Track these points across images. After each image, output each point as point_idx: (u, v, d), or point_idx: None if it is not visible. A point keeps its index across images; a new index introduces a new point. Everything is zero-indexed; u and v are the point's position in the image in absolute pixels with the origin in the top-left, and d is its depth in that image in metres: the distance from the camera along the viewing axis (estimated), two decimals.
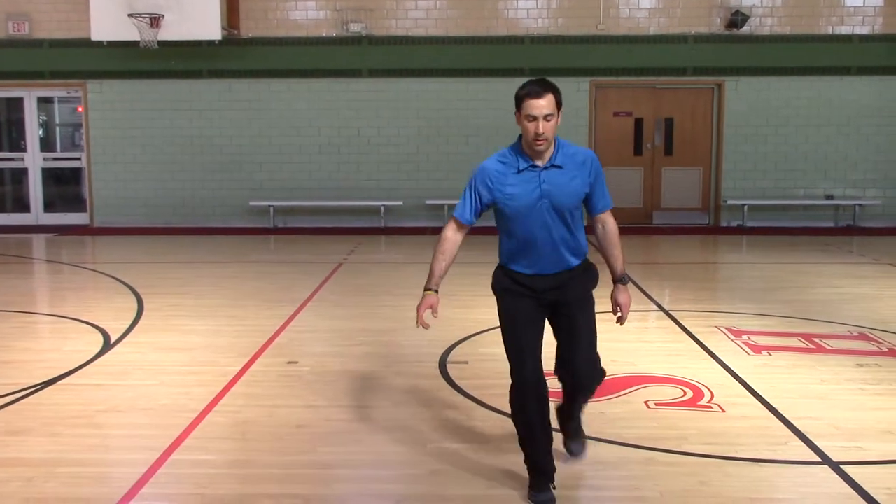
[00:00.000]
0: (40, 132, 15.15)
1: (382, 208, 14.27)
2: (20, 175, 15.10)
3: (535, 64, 14.14)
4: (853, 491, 3.81)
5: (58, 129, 15.60)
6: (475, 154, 14.19)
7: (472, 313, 7.29)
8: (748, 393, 5.22)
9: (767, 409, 4.92)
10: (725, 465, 4.10)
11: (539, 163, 3.70)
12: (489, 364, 5.84)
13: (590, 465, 4.14)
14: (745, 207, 14.28)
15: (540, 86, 3.60)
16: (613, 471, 4.06)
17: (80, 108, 14.81)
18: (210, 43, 13.61)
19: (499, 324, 3.93)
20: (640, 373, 5.64)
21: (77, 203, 15.14)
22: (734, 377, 5.54)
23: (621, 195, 14.59)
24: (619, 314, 4.00)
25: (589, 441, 4.38)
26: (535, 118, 3.57)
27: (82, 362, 5.94)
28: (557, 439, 4.06)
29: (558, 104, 3.63)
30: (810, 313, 7.50)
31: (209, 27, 13.23)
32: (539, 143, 3.61)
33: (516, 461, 4.12)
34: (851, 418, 4.77)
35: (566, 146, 3.76)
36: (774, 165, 14.45)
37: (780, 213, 14.54)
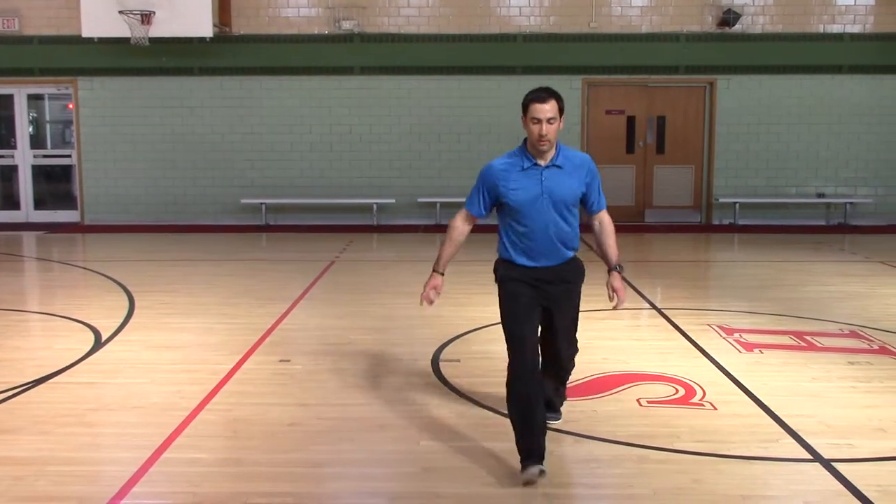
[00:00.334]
0: (30, 129, 15.09)
1: (374, 206, 14.25)
2: (10, 172, 15.03)
3: (527, 62, 14.16)
4: (844, 488, 3.81)
5: (48, 126, 15.53)
6: (467, 152, 14.21)
7: (465, 311, 7.29)
8: (740, 391, 5.23)
9: (759, 406, 4.94)
10: (717, 463, 4.11)
11: (541, 162, 4.09)
12: (481, 362, 5.84)
13: (583, 464, 4.14)
14: (737, 205, 14.32)
15: (545, 92, 4.02)
16: (606, 469, 4.07)
17: (70, 105, 14.76)
18: (201, 40, 13.57)
19: (499, 312, 4.22)
20: (632, 371, 5.65)
21: (68, 201, 15.09)
22: (726, 375, 5.55)
23: (613, 193, 14.58)
24: (614, 300, 4.35)
25: (581, 439, 4.39)
26: (539, 121, 3.96)
27: (73, 360, 5.91)
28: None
29: (561, 110, 4.02)
30: (802, 311, 7.53)
31: (200, 24, 13.19)
32: (542, 143, 4.00)
33: (510, 459, 4.13)
34: (842, 416, 4.78)
35: (566, 150, 4.19)
36: (766, 164, 14.49)
37: (772, 212, 14.58)
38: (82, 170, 14.64)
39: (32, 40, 14.32)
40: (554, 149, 4.09)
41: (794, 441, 4.39)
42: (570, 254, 4.22)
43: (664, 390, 5.24)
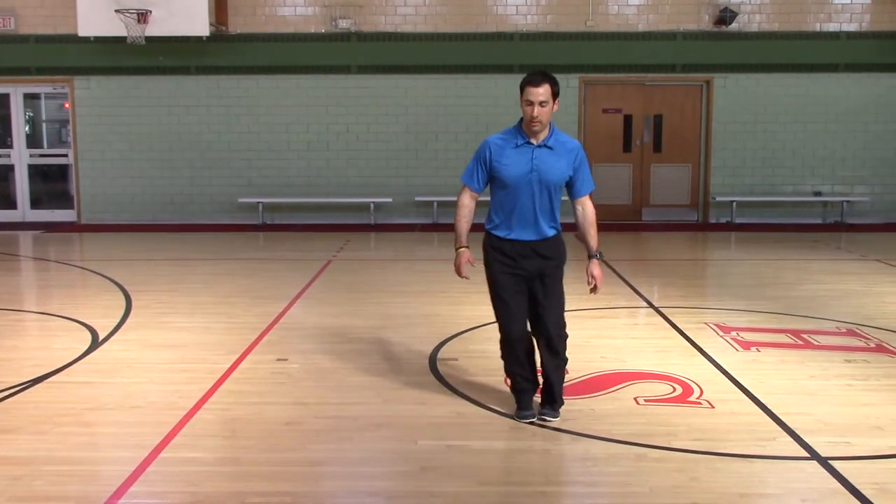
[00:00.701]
0: (27, 128, 15.06)
1: (372, 205, 14.25)
2: (6, 172, 15.00)
3: (524, 60, 14.15)
4: (841, 486, 3.82)
5: (44, 125, 15.51)
6: (464, 150, 14.19)
7: (462, 310, 7.29)
8: (737, 389, 5.24)
9: (756, 404, 4.94)
10: (715, 461, 4.12)
11: (534, 141, 4.38)
12: (479, 361, 5.84)
13: (580, 462, 4.14)
14: (734, 204, 14.34)
15: (539, 76, 4.31)
16: (603, 467, 4.07)
17: (66, 105, 14.73)
18: (198, 39, 13.56)
19: (490, 291, 4.60)
20: (629, 369, 5.66)
21: (64, 200, 15.07)
22: (723, 373, 5.56)
23: (610, 192, 14.63)
24: (592, 284, 4.61)
25: (578, 437, 4.40)
26: (532, 103, 4.26)
27: (70, 360, 5.91)
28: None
29: (554, 94, 4.32)
30: (799, 309, 7.54)
31: (197, 23, 13.18)
32: (534, 124, 4.29)
33: (508, 458, 4.13)
34: (840, 414, 4.79)
35: (560, 134, 4.45)
36: (763, 162, 14.51)
37: (769, 210, 14.60)
38: (79, 169, 14.62)
39: (29, 39, 14.30)
40: (547, 130, 4.38)
41: (791, 439, 4.39)
42: (552, 232, 4.48)
43: (661, 389, 5.24)
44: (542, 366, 4.69)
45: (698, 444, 4.31)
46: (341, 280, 9.22)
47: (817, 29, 14.26)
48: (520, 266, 4.46)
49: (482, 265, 4.61)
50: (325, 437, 4.48)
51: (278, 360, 5.95)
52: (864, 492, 3.75)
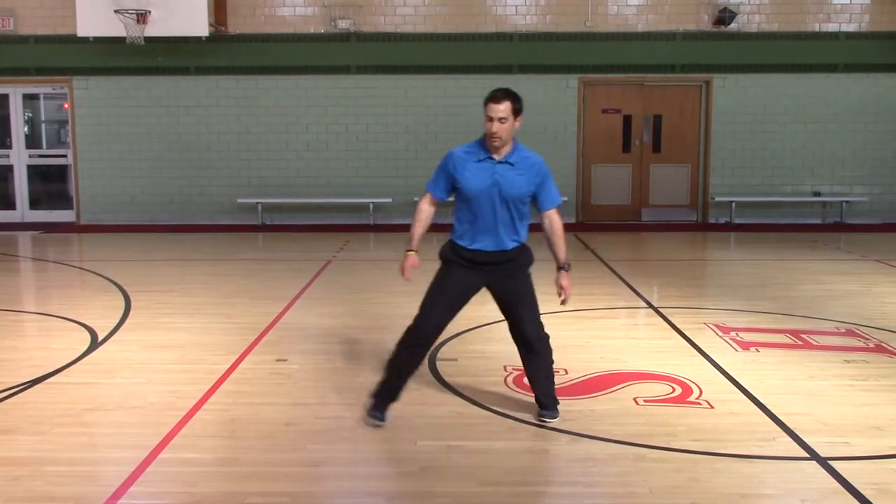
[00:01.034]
0: (26, 129, 15.06)
1: (371, 205, 14.25)
2: (5, 172, 15.00)
3: (523, 61, 14.17)
4: (841, 486, 3.82)
5: (43, 125, 15.50)
6: None
7: (462, 311, 7.27)
8: (736, 389, 5.24)
9: (756, 405, 4.94)
10: (714, 461, 4.11)
11: (496, 157, 4.42)
12: (479, 361, 5.84)
13: (579, 462, 4.14)
14: (733, 204, 14.34)
15: (501, 93, 4.37)
16: (603, 467, 4.07)
17: (66, 105, 14.73)
18: (197, 39, 13.56)
19: (431, 282, 4.57)
20: (629, 369, 5.65)
21: (63, 200, 15.07)
22: (722, 373, 5.56)
23: (610, 192, 14.66)
24: (562, 296, 4.63)
25: (578, 438, 4.39)
26: (492, 119, 4.31)
27: (69, 360, 5.90)
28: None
29: (515, 111, 4.37)
30: (798, 310, 7.54)
31: (196, 23, 13.18)
32: (493, 140, 4.34)
33: (507, 458, 4.13)
34: (839, 414, 4.79)
35: (523, 149, 4.51)
36: (762, 162, 14.51)
37: (768, 210, 14.60)
38: (78, 169, 14.62)
39: (28, 40, 14.30)
40: (510, 146, 4.44)
41: (790, 439, 4.39)
42: (513, 244, 4.48)
43: (661, 389, 5.24)
44: (528, 374, 4.70)
45: (698, 445, 4.31)
46: (341, 280, 9.22)
47: (816, 29, 14.27)
48: (478, 271, 4.48)
49: (434, 267, 4.62)
50: (324, 437, 4.48)
51: (278, 360, 5.95)
52: (863, 492, 3.75)
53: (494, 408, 4.87)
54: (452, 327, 6.69)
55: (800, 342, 6.40)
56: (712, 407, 4.92)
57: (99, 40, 13.59)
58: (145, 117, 14.45)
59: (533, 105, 14.26)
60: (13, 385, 5.33)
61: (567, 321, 7.13)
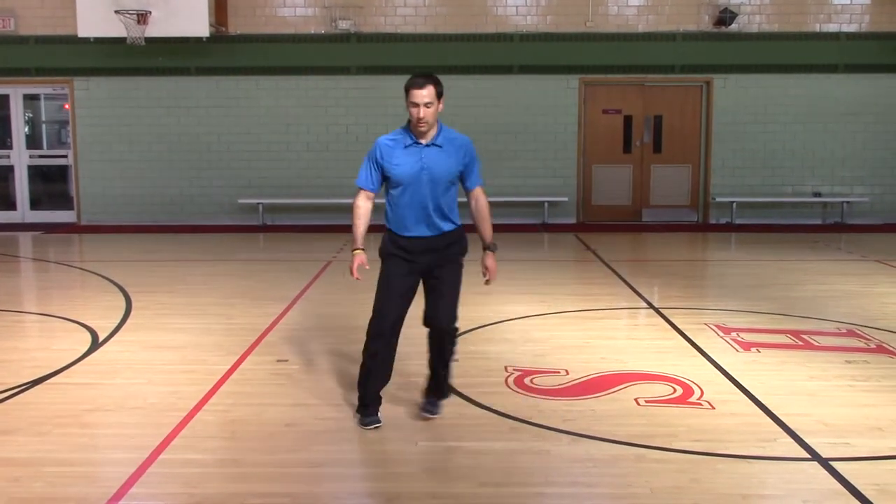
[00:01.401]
0: (26, 129, 15.06)
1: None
2: (6, 173, 15.01)
3: (523, 61, 14.17)
4: (842, 487, 3.82)
5: (44, 126, 15.50)
6: None
7: (462, 311, 7.25)
8: (737, 390, 5.23)
9: (757, 405, 4.94)
10: (715, 462, 4.11)
11: (422, 141, 4.46)
12: (479, 362, 5.84)
13: (580, 463, 4.14)
14: (734, 205, 14.34)
15: (423, 79, 4.38)
16: (604, 468, 4.06)
17: (66, 106, 14.73)
18: (198, 40, 13.56)
19: (377, 282, 4.63)
20: (629, 370, 5.65)
21: (64, 201, 15.07)
22: (723, 374, 5.55)
23: (610, 192, 14.66)
24: (486, 277, 4.67)
25: (578, 438, 4.39)
26: (417, 105, 4.35)
27: (70, 361, 5.90)
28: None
29: (438, 94, 4.41)
30: (799, 310, 7.53)
31: (197, 24, 13.18)
32: (421, 125, 4.38)
33: (508, 459, 4.13)
34: (840, 415, 4.78)
35: (448, 131, 4.55)
36: (763, 163, 14.51)
37: (769, 211, 14.60)
38: (78, 170, 14.62)
39: (28, 40, 14.30)
40: (435, 129, 4.48)
41: (791, 440, 4.39)
42: (448, 227, 4.50)
43: (662, 390, 5.24)
44: (430, 358, 4.73)
45: (699, 445, 4.31)
46: (341, 281, 9.21)
47: (817, 29, 14.27)
48: (415, 261, 4.50)
49: (378, 264, 4.65)
50: (325, 438, 4.48)
51: (278, 361, 5.95)
52: (864, 493, 3.74)
53: (495, 408, 4.86)
54: None
55: (801, 343, 6.39)
56: (713, 407, 4.91)
57: (99, 41, 13.60)
58: (146, 118, 14.46)
59: (533, 105, 14.33)
60: (14, 385, 5.33)
61: (568, 321, 7.13)
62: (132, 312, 7.54)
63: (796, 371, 5.65)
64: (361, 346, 4.73)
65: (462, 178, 4.56)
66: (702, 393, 5.17)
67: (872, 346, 6.31)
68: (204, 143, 14.50)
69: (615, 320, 7.37)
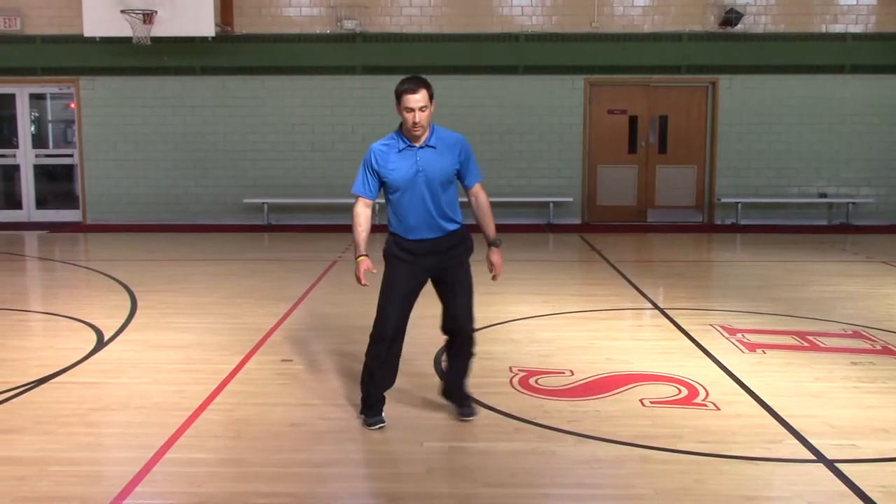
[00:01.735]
0: (32, 129, 15.09)
1: (377, 206, 14.20)
2: (12, 172, 15.04)
3: (528, 61, 14.16)
4: (848, 489, 3.81)
5: (50, 125, 15.54)
6: None
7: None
8: (743, 391, 5.22)
9: (762, 407, 4.93)
10: (720, 463, 4.10)
11: (416, 144, 4.43)
12: (484, 362, 5.82)
13: (585, 464, 4.13)
14: (739, 205, 14.31)
15: (415, 83, 4.33)
16: (609, 469, 4.06)
17: (72, 105, 14.76)
18: (203, 39, 13.57)
19: (381, 285, 4.62)
20: (634, 371, 5.64)
21: (70, 200, 15.09)
22: (729, 375, 5.54)
23: (615, 193, 14.63)
24: (493, 272, 4.67)
25: (583, 439, 4.39)
26: (412, 109, 4.29)
27: (75, 360, 5.91)
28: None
29: (430, 97, 4.35)
30: (804, 311, 7.52)
31: (202, 24, 13.19)
32: (416, 129, 4.34)
33: (512, 460, 4.13)
34: (846, 416, 4.77)
35: (440, 131, 4.50)
36: (768, 163, 14.48)
37: (774, 211, 14.57)
38: (84, 169, 14.65)
39: (34, 40, 14.33)
40: (428, 131, 4.42)
41: (797, 441, 4.38)
42: (452, 226, 4.50)
43: (667, 391, 5.23)
44: (449, 364, 4.76)
45: (704, 447, 4.30)
46: (346, 281, 9.19)
47: (823, 30, 14.23)
48: (420, 264, 4.49)
49: (382, 268, 4.63)
50: (329, 438, 4.48)
51: (283, 360, 5.95)
52: (870, 495, 3.73)
53: (500, 409, 4.86)
54: None
55: (806, 344, 6.38)
56: (718, 409, 4.90)
57: (105, 40, 13.62)
58: (151, 117, 14.48)
59: (538, 105, 14.31)
60: (19, 384, 5.34)
61: (572, 322, 7.13)
62: (137, 312, 7.55)
63: (802, 372, 5.64)
64: (364, 347, 4.73)
65: (460, 177, 4.55)
66: (707, 394, 5.16)
67: (878, 347, 6.30)
68: (209, 143, 14.52)
69: (620, 321, 7.36)
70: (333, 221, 14.34)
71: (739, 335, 6.62)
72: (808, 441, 4.37)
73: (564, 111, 14.34)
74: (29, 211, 15.05)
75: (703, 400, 5.06)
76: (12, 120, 14.91)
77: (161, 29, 13.11)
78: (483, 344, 6.27)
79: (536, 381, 5.38)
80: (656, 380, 5.45)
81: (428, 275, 4.57)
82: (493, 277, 4.69)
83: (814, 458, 4.17)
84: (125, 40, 13.27)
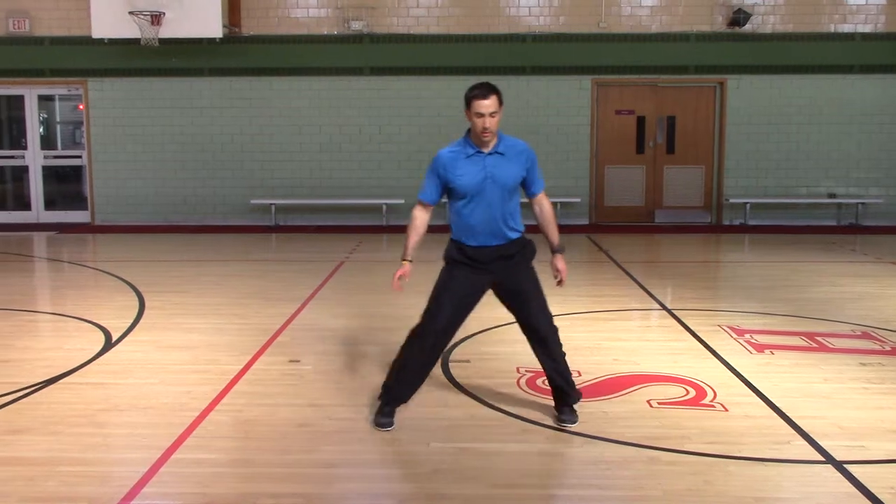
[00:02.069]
0: (41, 130, 15.15)
1: (384, 206, 14.25)
2: (21, 173, 15.09)
3: (536, 62, 14.15)
4: (857, 490, 3.79)
5: (58, 126, 15.60)
6: None
7: (475, 312, 7.25)
8: (751, 392, 5.20)
9: (770, 408, 4.91)
10: (728, 465, 4.09)
11: (484, 150, 4.43)
12: (492, 363, 5.83)
13: (592, 465, 4.12)
14: (748, 206, 14.27)
15: (486, 88, 4.33)
16: (616, 470, 4.05)
17: (80, 106, 14.81)
18: (211, 41, 13.60)
19: (435, 284, 4.60)
20: (642, 372, 5.63)
21: (78, 201, 15.15)
22: (737, 376, 5.53)
23: (623, 193, 14.61)
24: (558, 278, 4.70)
25: (591, 440, 4.38)
26: (482, 115, 4.29)
27: (83, 361, 5.93)
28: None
29: (500, 103, 4.34)
30: (813, 312, 7.49)
31: (210, 25, 13.22)
32: (486, 135, 4.34)
33: (520, 461, 4.12)
34: (855, 417, 4.75)
35: (507, 138, 4.50)
36: (776, 164, 14.43)
37: (783, 212, 14.52)
38: (92, 170, 14.69)
39: (43, 41, 14.38)
40: (496, 138, 4.42)
41: (805, 443, 4.36)
42: (514, 235, 4.51)
43: (675, 391, 5.22)
44: (546, 370, 4.67)
45: (712, 448, 4.29)
46: (353, 281, 9.23)
47: (832, 30, 14.18)
48: (482, 270, 4.49)
49: (429, 269, 4.63)
50: (337, 438, 4.48)
51: (291, 361, 5.96)
52: (880, 496, 3.72)
53: (507, 409, 4.86)
54: (465, 329, 6.69)
55: (815, 345, 6.35)
56: (726, 410, 4.89)
57: (114, 42, 13.66)
58: (159, 118, 14.51)
59: (546, 106, 14.30)
60: (28, 385, 5.36)
61: (580, 323, 7.11)
62: (145, 312, 7.57)
63: (810, 373, 5.62)
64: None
65: (525, 185, 4.56)
66: (715, 395, 5.14)
67: (888, 348, 6.27)
68: (217, 144, 14.55)
69: (628, 322, 7.35)
70: (341, 222, 14.37)
71: (748, 336, 6.60)
72: (816, 442, 4.35)
73: (572, 112, 14.33)
74: (38, 212, 15.11)
75: (712, 401, 5.05)
76: (21, 121, 14.97)
77: (169, 30, 13.14)
78: (490, 345, 6.29)
79: (544, 382, 5.36)
80: (664, 381, 5.44)
81: (488, 286, 4.57)
82: (559, 283, 4.70)
83: (823, 459, 4.16)
84: (133, 42, 13.32)
